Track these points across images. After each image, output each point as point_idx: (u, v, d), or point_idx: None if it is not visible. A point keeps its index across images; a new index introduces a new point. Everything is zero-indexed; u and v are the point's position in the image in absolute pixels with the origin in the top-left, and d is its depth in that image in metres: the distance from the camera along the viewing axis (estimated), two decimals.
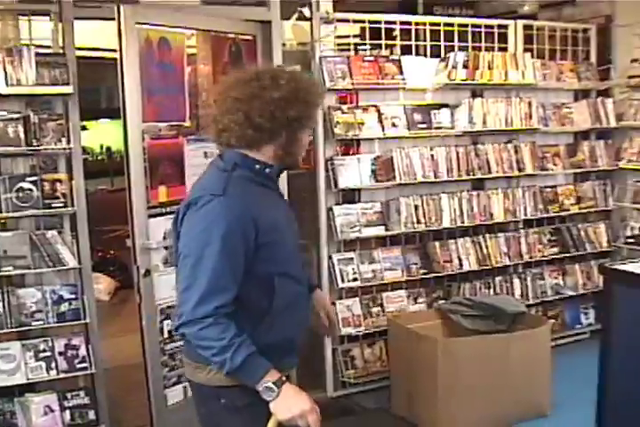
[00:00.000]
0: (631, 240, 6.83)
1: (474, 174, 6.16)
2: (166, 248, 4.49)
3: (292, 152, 2.78)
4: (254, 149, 2.73)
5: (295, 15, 5.94)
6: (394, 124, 5.77)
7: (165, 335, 4.56)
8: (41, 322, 4.45)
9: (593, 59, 7.16)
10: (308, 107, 2.70)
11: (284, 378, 2.58)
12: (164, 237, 4.47)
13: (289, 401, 2.54)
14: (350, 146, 5.77)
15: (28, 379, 4.43)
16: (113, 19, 4.20)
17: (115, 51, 4.24)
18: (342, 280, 5.60)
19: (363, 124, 5.64)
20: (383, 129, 5.72)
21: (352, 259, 5.67)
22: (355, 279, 5.64)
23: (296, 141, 2.76)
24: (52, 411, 4.51)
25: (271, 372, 2.56)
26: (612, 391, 2.64)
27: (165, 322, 4.55)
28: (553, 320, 6.61)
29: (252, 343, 2.57)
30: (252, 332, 2.62)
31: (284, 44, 5.26)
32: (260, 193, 2.73)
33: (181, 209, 2.72)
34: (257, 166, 2.73)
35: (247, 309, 2.65)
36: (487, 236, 6.34)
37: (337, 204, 5.67)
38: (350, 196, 5.77)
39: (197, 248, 2.57)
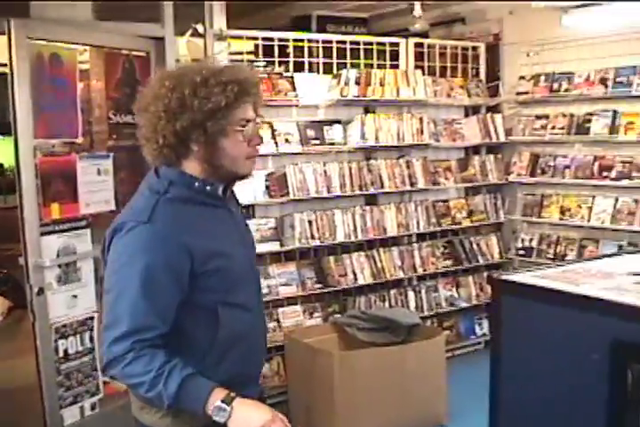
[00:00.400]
0: (522, 252, 7.02)
1: (367, 189, 6.25)
2: (60, 266, 4.41)
3: (219, 164, 2.39)
4: (176, 166, 2.41)
5: (189, 32, 5.92)
6: (287, 141, 5.81)
7: (61, 355, 4.48)
8: None
9: (482, 76, 7.37)
10: (200, 113, 2.30)
11: (232, 394, 2.26)
12: (58, 255, 4.40)
13: (246, 416, 2.24)
14: None
15: None
16: (3, 33, 4.12)
17: (5, 65, 4.16)
18: None
19: None
20: (277, 145, 5.76)
21: None
22: None
23: (217, 151, 2.36)
24: None
25: (216, 390, 2.25)
26: (502, 400, 2.68)
27: (60, 341, 4.46)
28: (448, 331, 6.74)
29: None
30: (199, 368, 2.30)
31: (177, 60, 5.22)
32: (199, 215, 2.40)
33: (107, 235, 2.40)
34: (196, 184, 2.39)
35: (191, 342, 2.38)
36: (381, 250, 6.44)
37: None
38: (244, 212, 5.76)
39: (117, 283, 2.30)
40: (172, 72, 2.41)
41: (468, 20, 7.78)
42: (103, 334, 2.32)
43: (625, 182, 6.20)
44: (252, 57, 6.01)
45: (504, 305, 2.65)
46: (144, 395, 2.29)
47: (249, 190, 5.60)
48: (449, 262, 6.86)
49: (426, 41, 7.05)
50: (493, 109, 7.31)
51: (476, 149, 7.23)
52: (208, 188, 2.41)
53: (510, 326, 2.66)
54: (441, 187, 6.82)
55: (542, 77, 6.94)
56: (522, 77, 7.16)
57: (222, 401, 2.23)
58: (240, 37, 5.85)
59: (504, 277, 2.73)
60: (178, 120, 2.29)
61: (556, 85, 6.78)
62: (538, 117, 6.95)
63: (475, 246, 7.03)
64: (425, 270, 6.68)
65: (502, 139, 7.17)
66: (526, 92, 7.05)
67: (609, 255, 3.35)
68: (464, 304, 6.95)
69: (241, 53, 5.95)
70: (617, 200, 6.33)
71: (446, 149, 6.98)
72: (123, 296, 2.27)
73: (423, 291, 6.71)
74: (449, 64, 7.16)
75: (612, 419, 2.28)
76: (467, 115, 7.19)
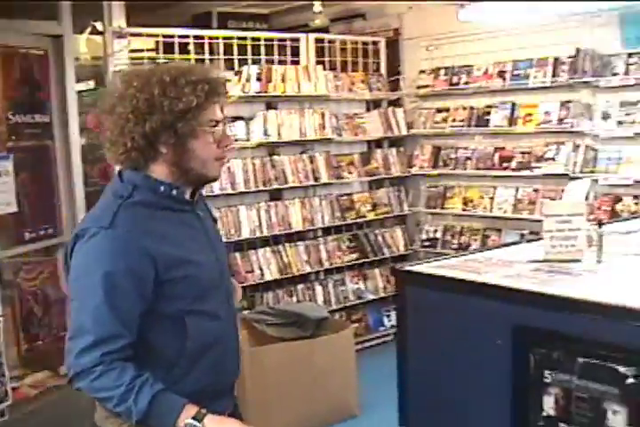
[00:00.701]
0: (427, 243, 7.12)
1: (271, 185, 6.27)
2: None
3: (188, 168, 2.29)
4: (143, 170, 2.30)
5: (88, 29, 5.83)
6: None
7: None
8: None
9: (383, 70, 7.45)
10: (169, 114, 2.21)
11: (203, 411, 2.19)
12: None
13: None
14: None
15: None
16: None
17: None
18: None
19: None
20: None
21: None
22: None
23: (187, 154, 2.27)
24: None
25: (187, 407, 2.18)
26: (411, 389, 2.72)
27: None
28: (356, 324, 6.79)
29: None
30: (167, 380, 2.23)
31: (77, 59, 5.14)
32: (164, 221, 2.30)
33: (70, 241, 2.30)
34: (161, 188, 2.29)
35: (158, 353, 2.29)
36: (287, 245, 6.46)
37: None
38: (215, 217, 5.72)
39: (80, 291, 2.22)
40: (139, 72, 2.32)
41: (368, 15, 7.87)
42: (68, 344, 2.23)
43: (525, 173, 6.36)
44: (152, 54, 5.94)
45: (409, 296, 2.69)
46: (112, 409, 2.21)
47: None
48: (355, 256, 6.91)
49: (326, 36, 7.11)
50: (395, 103, 7.41)
51: (378, 143, 7.31)
52: (174, 192, 2.32)
53: (416, 316, 2.69)
54: (345, 181, 6.88)
55: (442, 71, 7.08)
56: (422, 71, 7.29)
57: (194, 418, 2.17)
58: (140, 35, 5.79)
59: (407, 268, 2.77)
60: (147, 121, 2.20)
61: (455, 79, 6.92)
62: (438, 110, 7.08)
63: (380, 239, 7.11)
64: (331, 264, 6.72)
65: (404, 132, 7.28)
66: (426, 86, 7.19)
67: (510, 244, 3.44)
68: (371, 297, 7.02)
69: (141, 51, 5.89)
70: (517, 190, 6.50)
71: (349, 144, 7.04)
72: (86, 304, 2.19)
73: (330, 285, 6.75)
74: (350, 59, 7.21)
75: (517, 402, 2.34)
76: (368, 109, 7.26)
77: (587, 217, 2.81)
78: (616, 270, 2.69)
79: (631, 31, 6.00)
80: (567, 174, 6.03)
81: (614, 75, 5.95)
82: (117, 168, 2.40)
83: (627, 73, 5.88)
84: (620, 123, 5.91)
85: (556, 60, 6.27)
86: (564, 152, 6.14)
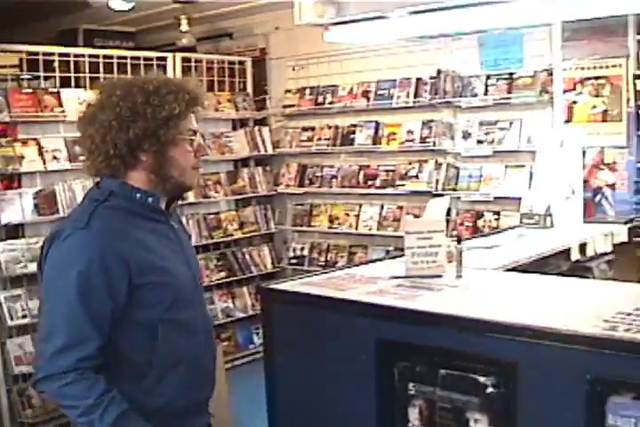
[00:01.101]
0: (294, 261, 7.18)
1: None
2: None
3: (168, 175, 2.31)
4: (122, 178, 2.31)
5: None
6: (55, 158, 5.67)
7: None
8: None
9: (250, 89, 7.50)
10: (152, 121, 2.23)
11: None
12: None
13: None
14: (11, 180, 5.59)
15: None
16: None
17: None
18: (11, 318, 5.40)
19: (23, 157, 5.50)
20: (44, 162, 5.61)
21: (20, 295, 5.49)
22: (24, 316, 5.46)
23: (167, 161, 2.29)
24: None
25: None
26: (280, 404, 2.76)
27: None
28: (226, 342, 6.77)
29: (135, 406, 2.19)
30: (137, 391, 2.23)
31: None
32: (139, 227, 2.29)
33: (46, 244, 2.28)
34: (137, 195, 2.30)
35: (128, 362, 2.25)
36: None
37: (0, 240, 5.47)
38: (14, 231, 5.59)
39: (53, 292, 2.19)
40: (119, 82, 2.37)
41: (235, 35, 7.91)
42: (39, 346, 2.22)
43: (389, 190, 6.50)
44: (16, 71, 5.82)
45: (274, 314, 2.73)
46: (73, 419, 2.18)
47: (18, 209, 5.43)
48: (223, 274, 6.92)
49: (193, 55, 7.11)
50: (261, 122, 7.48)
51: (244, 162, 7.35)
52: (150, 199, 2.32)
53: (282, 333, 2.73)
54: (211, 200, 6.89)
55: (307, 91, 7.18)
56: (288, 91, 7.37)
57: None
58: (4, 51, 5.66)
59: (272, 286, 2.81)
60: (130, 128, 2.22)
61: (320, 98, 7.03)
62: (304, 129, 7.17)
63: (247, 257, 7.14)
64: (200, 283, 6.67)
65: (270, 151, 7.35)
66: (292, 105, 7.27)
67: (375, 260, 3.52)
68: (240, 315, 7.03)
69: (4, 67, 5.76)
70: (382, 207, 6.63)
71: (215, 163, 7.03)
72: (58, 304, 2.16)
73: None
74: (216, 78, 7.23)
75: (383, 414, 2.40)
76: (235, 128, 7.31)
77: (448, 233, 2.92)
78: (475, 285, 2.80)
79: (489, 54, 6.25)
80: (430, 191, 6.20)
81: (474, 95, 6.18)
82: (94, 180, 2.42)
83: (486, 93, 6.12)
84: (479, 142, 6.13)
85: (419, 80, 6.46)
86: (427, 170, 6.32)
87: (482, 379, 2.32)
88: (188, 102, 2.30)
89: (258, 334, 7.13)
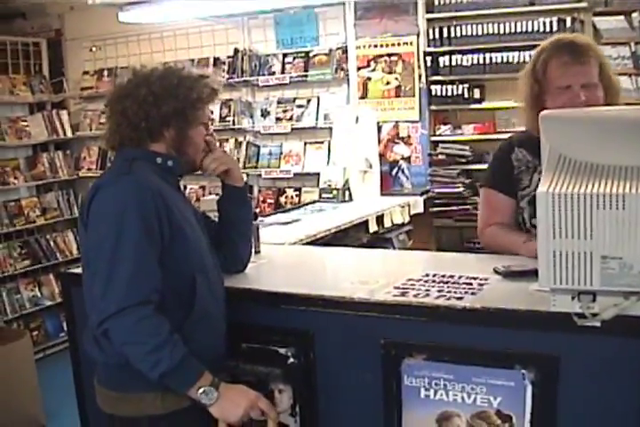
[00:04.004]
0: None
1: None
2: None
3: (184, 152, 2.47)
4: (143, 148, 2.45)
5: None
6: None
7: None
8: None
9: (46, 72, 7.27)
10: (183, 102, 2.41)
11: (217, 379, 2.20)
12: None
13: (233, 398, 2.20)
14: None
15: None
16: None
17: None
18: None
19: None
20: None
21: None
22: None
23: (186, 140, 2.46)
24: None
25: (205, 374, 2.19)
26: (89, 396, 2.72)
27: None
28: (36, 332, 6.61)
29: None
30: None
31: None
32: (164, 187, 2.37)
33: (87, 199, 2.31)
34: (158, 159, 2.43)
35: (166, 313, 2.21)
36: None
37: None
38: None
39: (112, 230, 2.19)
40: (155, 66, 2.50)
41: (28, 14, 7.62)
42: (105, 285, 2.16)
43: None
44: None
45: (75, 298, 2.72)
46: (138, 357, 2.14)
47: None
48: (28, 262, 6.72)
49: None
50: (59, 106, 7.27)
51: (44, 147, 7.13)
52: (169, 162, 2.44)
53: (84, 317, 2.71)
54: (10, 187, 6.66)
55: (105, 72, 7.06)
56: (85, 73, 7.23)
57: (210, 385, 2.17)
58: None
59: (73, 270, 2.79)
60: (162, 105, 2.38)
61: (119, 80, 6.89)
62: (104, 112, 7.03)
63: (52, 244, 6.97)
64: (4, 273, 6.50)
65: (70, 135, 7.16)
66: (91, 88, 7.13)
67: None
68: (48, 303, 6.87)
69: None
70: (185, 188, 6.62)
71: (13, 148, 6.81)
72: (122, 240, 2.17)
73: (4, 293, 6.52)
74: (10, 61, 6.97)
75: None
76: (32, 112, 7.06)
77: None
78: (272, 259, 2.87)
79: (285, 33, 6.35)
80: None
81: (271, 74, 6.28)
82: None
83: (283, 72, 6.23)
84: (278, 119, 6.24)
85: (217, 60, 6.49)
86: (227, 149, 6.35)
87: (282, 350, 2.40)
88: (212, 91, 2.49)
89: None
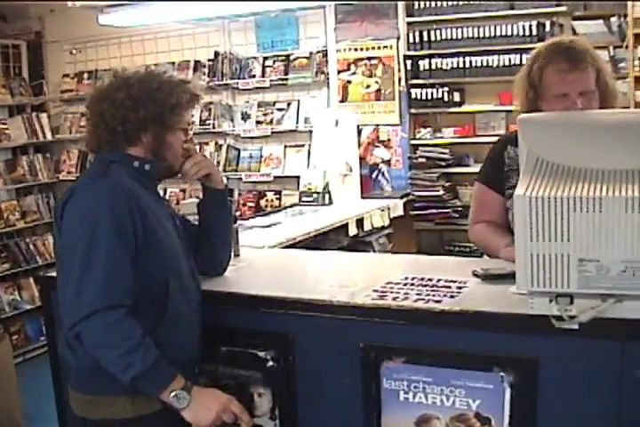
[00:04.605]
0: None
1: None
2: None
3: (162, 156, 2.44)
4: (121, 151, 2.43)
5: None
6: None
7: None
8: None
9: (26, 74, 7.24)
10: (161, 106, 2.38)
11: (189, 382, 2.19)
12: None
13: (205, 401, 2.20)
14: None
15: None
16: None
17: None
18: None
19: None
20: None
21: None
22: None
23: (164, 145, 2.43)
24: None
25: (178, 377, 2.17)
26: (67, 400, 2.71)
27: None
28: (16, 336, 6.57)
29: None
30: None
31: None
32: (140, 192, 2.36)
33: (61, 203, 2.30)
34: (135, 163, 2.40)
35: (140, 316, 2.20)
36: None
37: None
38: None
39: (86, 233, 2.18)
40: (135, 70, 2.50)
41: (9, 17, 7.59)
42: (76, 287, 2.15)
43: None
44: None
45: (54, 302, 2.70)
46: (110, 360, 2.13)
47: None
48: (7, 266, 6.69)
49: None
50: (39, 108, 7.24)
51: (23, 149, 7.10)
52: (147, 166, 2.42)
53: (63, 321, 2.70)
54: None
55: (86, 75, 7.03)
56: (66, 75, 7.19)
57: (183, 389, 2.16)
58: None
59: (51, 274, 2.78)
60: (140, 109, 2.36)
61: (100, 82, 6.89)
62: (84, 115, 6.98)
63: (32, 247, 6.94)
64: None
65: (50, 137, 7.14)
66: (71, 90, 7.11)
67: None
68: (28, 306, 6.83)
69: None
70: (165, 191, 6.61)
71: None
72: (95, 243, 2.16)
73: None
74: None
75: None
76: (11, 115, 7.04)
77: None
78: (252, 262, 2.87)
79: (265, 36, 6.36)
80: None
81: (252, 77, 6.28)
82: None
83: (263, 75, 6.24)
84: (258, 122, 6.26)
85: (197, 63, 6.49)
86: (208, 152, 6.37)
87: (262, 354, 2.40)
88: (192, 97, 2.48)
89: None
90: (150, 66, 2.58)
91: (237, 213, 5.46)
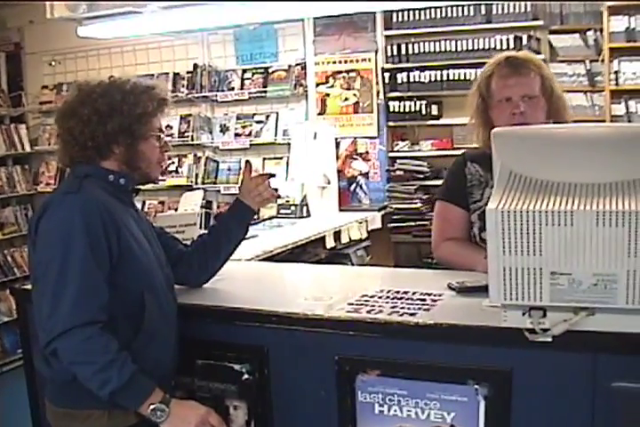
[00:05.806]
0: None
1: None
2: None
3: (137, 166, 2.43)
4: (95, 165, 2.42)
5: None
6: None
7: None
8: None
9: (4, 85, 7.24)
10: (128, 117, 2.37)
11: (167, 395, 2.18)
12: None
13: (183, 414, 2.18)
14: None
15: None
16: None
17: None
18: None
19: None
20: None
21: None
22: None
23: (137, 154, 2.42)
24: None
25: (156, 391, 2.17)
26: (43, 413, 2.70)
27: None
28: None
29: None
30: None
31: None
32: (114, 206, 2.35)
33: (35, 218, 2.30)
34: (110, 177, 2.40)
35: (116, 331, 2.19)
36: None
37: None
38: None
39: (59, 249, 2.18)
40: (98, 82, 2.47)
41: None
42: (51, 303, 2.15)
43: (149, 186, 6.39)
44: None
45: (30, 314, 2.69)
46: (87, 376, 2.13)
47: None
48: None
49: None
50: (17, 120, 7.22)
51: (1, 161, 7.07)
52: (122, 180, 2.42)
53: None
54: None
55: (65, 87, 7.02)
56: (45, 87, 7.19)
57: (161, 402, 2.15)
58: None
59: (27, 287, 2.77)
60: (107, 123, 2.35)
61: (66, 96, 6.87)
62: None
63: (9, 259, 6.91)
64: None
65: (28, 149, 7.13)
66: (50, 102, 7.09)
67: None
68: (6, 319, 6.79)
69: None
70: (144, 203, 6.60)
71: None
72: (69, 258, 2.15)
73: None
74: None
75: None
76: None
77: (207, 226, 2.97)
78: (227, 275, 2.87)
79: (244, 48, 6.38)
80: (191, 186, 6.24)
81: (231, 89, 6.30)
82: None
83: (242, 87, 6.27)
84: (237, 135, 6.27)
85: (176, 75, 6.50)
86: (186, 164, 6.38)
87: (237, 366, 2.40)
88: (159, 102, 2.47)
89: None
90: (114, 76, 2.56)
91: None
